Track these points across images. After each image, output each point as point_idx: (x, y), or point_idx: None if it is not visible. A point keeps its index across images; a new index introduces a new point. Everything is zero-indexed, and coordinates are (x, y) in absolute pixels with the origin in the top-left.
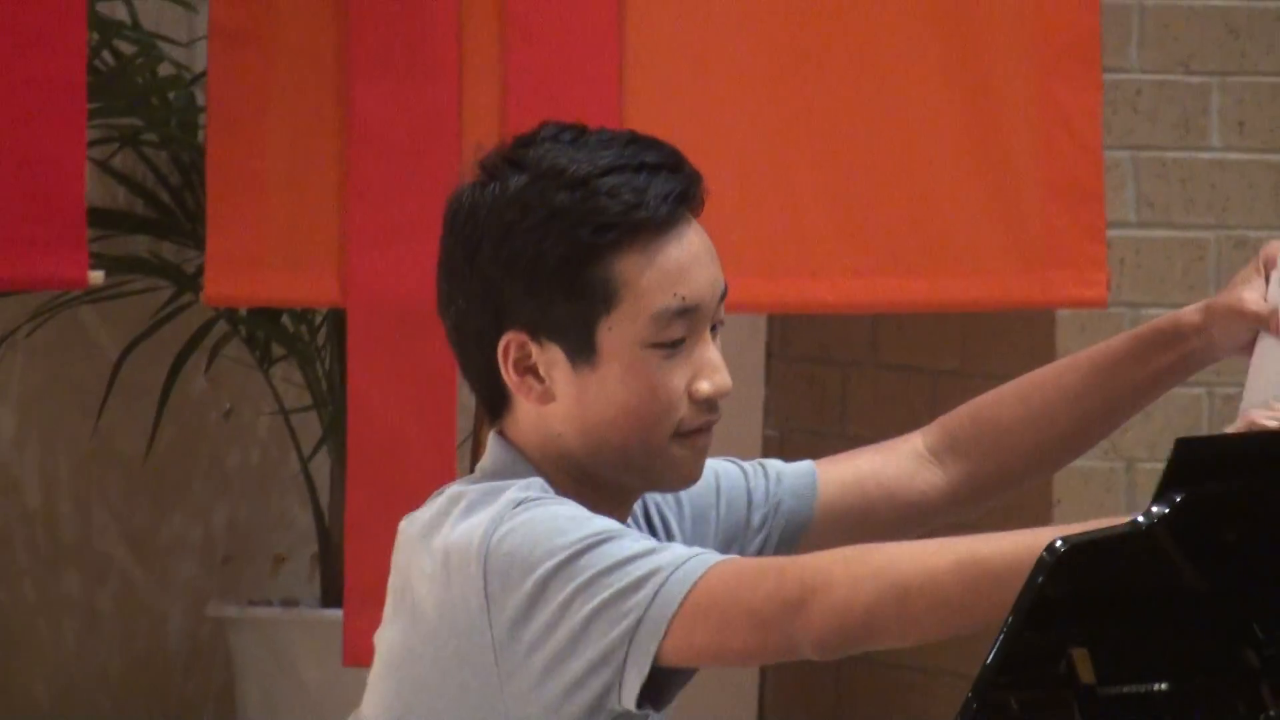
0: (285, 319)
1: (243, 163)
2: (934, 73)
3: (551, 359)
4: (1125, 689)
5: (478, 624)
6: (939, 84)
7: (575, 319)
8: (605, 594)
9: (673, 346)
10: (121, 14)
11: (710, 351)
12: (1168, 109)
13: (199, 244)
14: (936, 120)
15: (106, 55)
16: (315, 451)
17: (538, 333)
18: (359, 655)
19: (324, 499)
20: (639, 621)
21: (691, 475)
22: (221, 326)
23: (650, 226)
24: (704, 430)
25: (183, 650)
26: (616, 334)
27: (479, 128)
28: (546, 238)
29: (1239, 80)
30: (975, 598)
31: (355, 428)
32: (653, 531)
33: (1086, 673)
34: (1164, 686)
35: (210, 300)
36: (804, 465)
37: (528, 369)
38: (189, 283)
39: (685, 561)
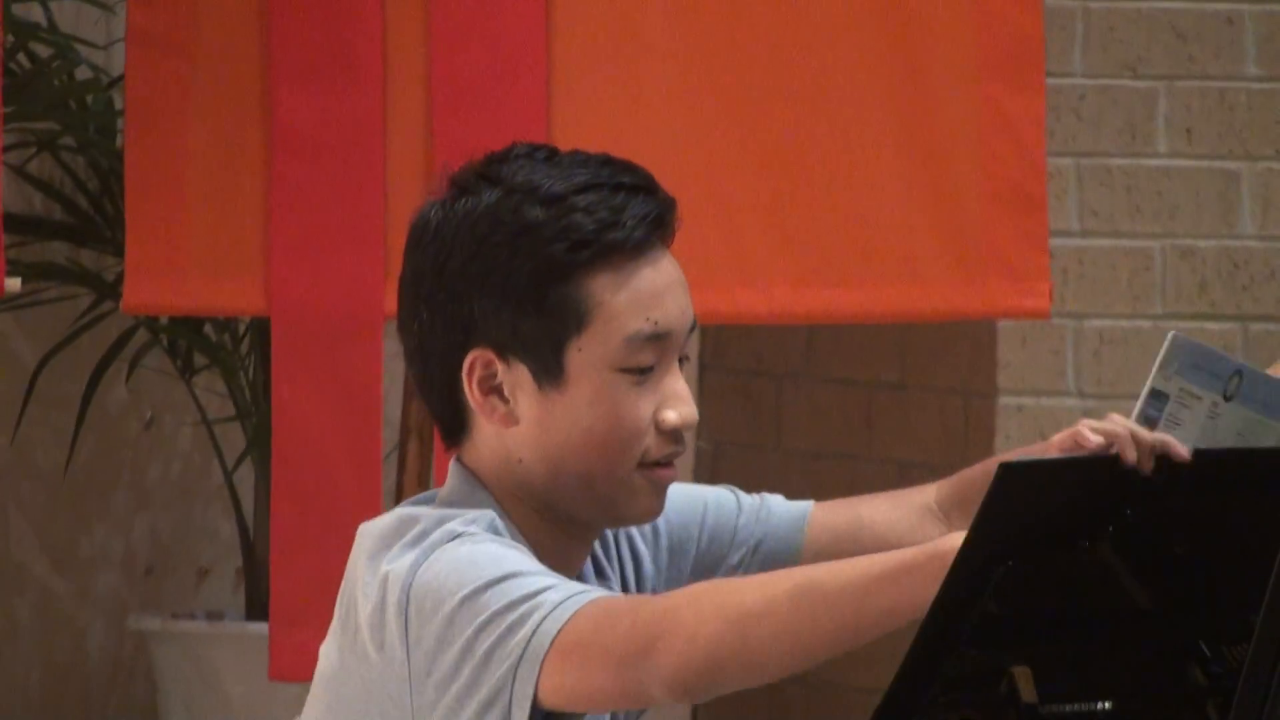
0: (208, 328)
1: (163, 168)
2: (872, 77)
3: (518, 380)
4: (1068, 708)
5: (398, 654)
6: (877, 88)
7: (545, 338)
8: (498, 631)
9: (642, 374)
10: (38, 16)
11: (679, 382)
12: (1113, 114)
13: (118, 251)
14: (874, 125)
15: (22, 58)
16: (239, 463)
17: (505, 351)
18: (284, 670)
19: (248, 511)
20: (519, 661)
21: (652, 509)
22: (142, 335)
23: (625, 248)
24: (667, 464)
25: (105, 664)
26: (586, 356)
27: (404, 134)
28: (519, 253)
29: (1186, 85)
30: (812, 624)
31: (280, 439)
32: (621, 565)
33: (1029, 692)
34: (1108, 705)
35: (130, 308)
36: (799, 507)
37: (492, 389)
38: (108, 290)
39: (565, 600)
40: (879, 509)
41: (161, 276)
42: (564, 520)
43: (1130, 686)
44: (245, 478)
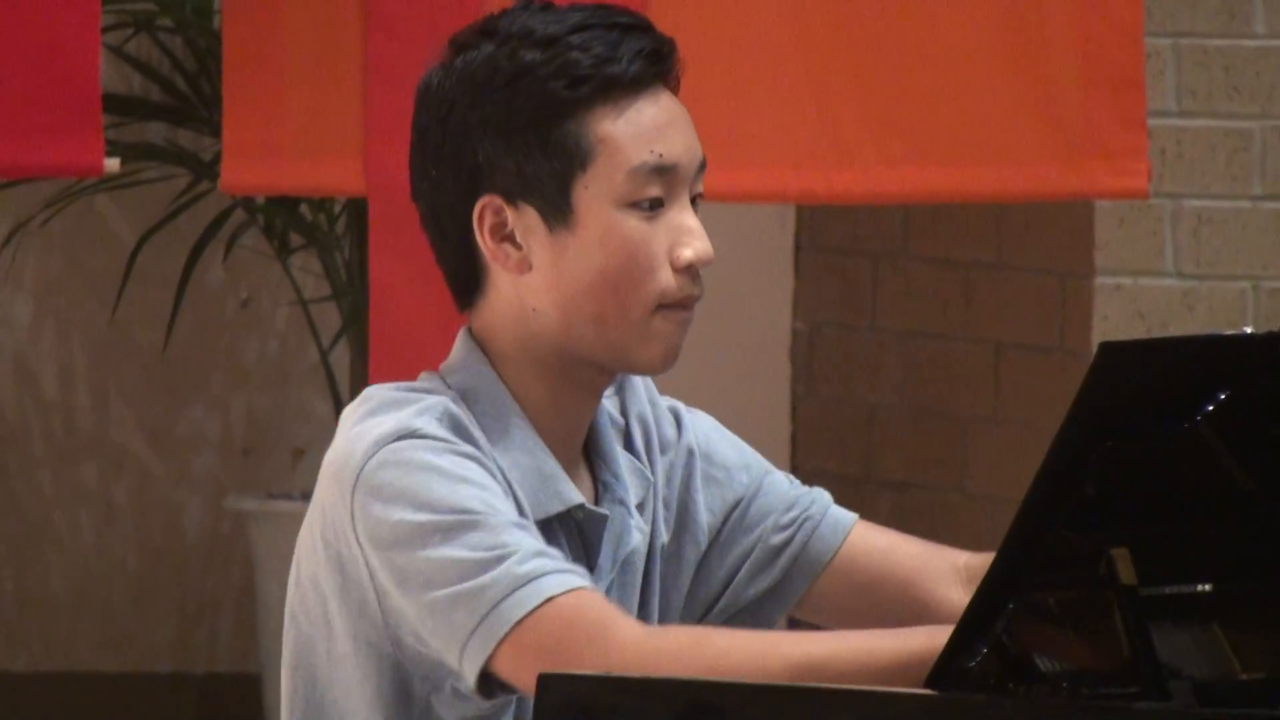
0: (304, 208)
1: (260, 49)
2: None
3: (528, 224)
4: (1167, 590)
5: (347, 535)
6: None
7: (551, 177)
8: (453, 589)
9: (651, 209)
10: None
11: (690, 218)
12: None
13: (215, 132)
14: (970, 6)
15: None
16: (335, 342)
17: (513, 195)
18: None
19: (344, 390)
20: (469, 635)
21: (669, 354)
22: (239, 215)
23: (624, 82)
24: (686, 305)
25: (201, 544)
26: (593, 193)
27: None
28: (518, 94)
29: None
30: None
31: (376, 318)
32: (629, 440)
33: (1128, 574)
34: (1207, 587)
35: (227, 188)
36: (846, 515)
37: (504, 236)
38: (206, 171)
39: (532, 575)
40: (911, 549)
41: (258, 156)
42: (572, 373)
43: (1230, 568)
44: (341, 357)
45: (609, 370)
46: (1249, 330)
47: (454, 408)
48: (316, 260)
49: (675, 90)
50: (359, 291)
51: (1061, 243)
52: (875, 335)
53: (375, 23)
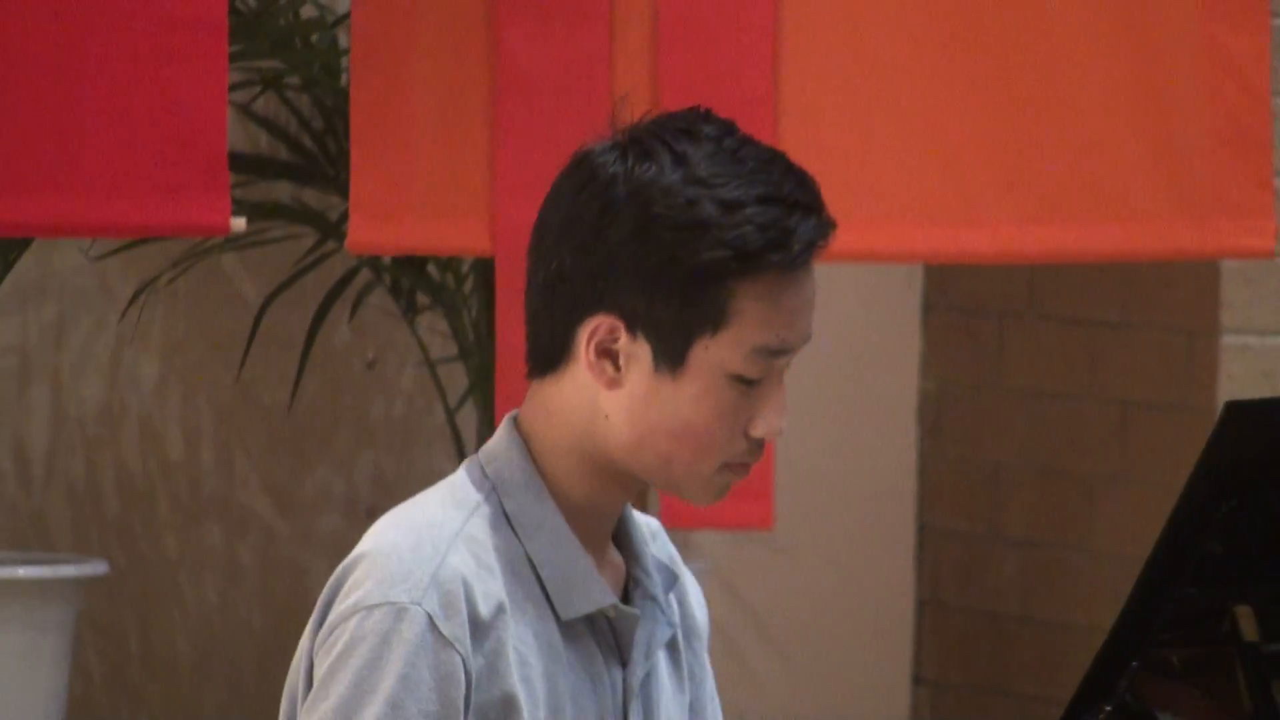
0: (431, 267)
1: (387, 107)
2: (1096, 18)
3: (637, 353)
4: None
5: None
6: (1101, 29)
7: (678, 328)
8: None
9: (750, 384)
10: None
11: (781, 395)
12: None
13: (342, 190)
14: (1098, 66)
15: None
16: (461, 403)
17: (635, 325)
18: None
19: (470, 451)
20: None
21: (714, 500)
22: (365, 274)
23: (783, 267)
24: (746, 466)
25: None
26: (710, 356)
27: (630, 74)
28: (683, 246)
29: None
30: None
31: (503, 379)
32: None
33: (1251, 630)
34: None
35: (354, 248)
36: None
37: (608, 353)
38: (332, 230)
39: None
40: None
41: (385, 216)
42: (613, 474)
43: None
44: (468, 418)
45: (643, 485)
46: None
47: (464, 562)
48: (443, 320)
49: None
50: (486, 352)
51: (1188, 301)
52: (1002, 394)
53: (504, 82)
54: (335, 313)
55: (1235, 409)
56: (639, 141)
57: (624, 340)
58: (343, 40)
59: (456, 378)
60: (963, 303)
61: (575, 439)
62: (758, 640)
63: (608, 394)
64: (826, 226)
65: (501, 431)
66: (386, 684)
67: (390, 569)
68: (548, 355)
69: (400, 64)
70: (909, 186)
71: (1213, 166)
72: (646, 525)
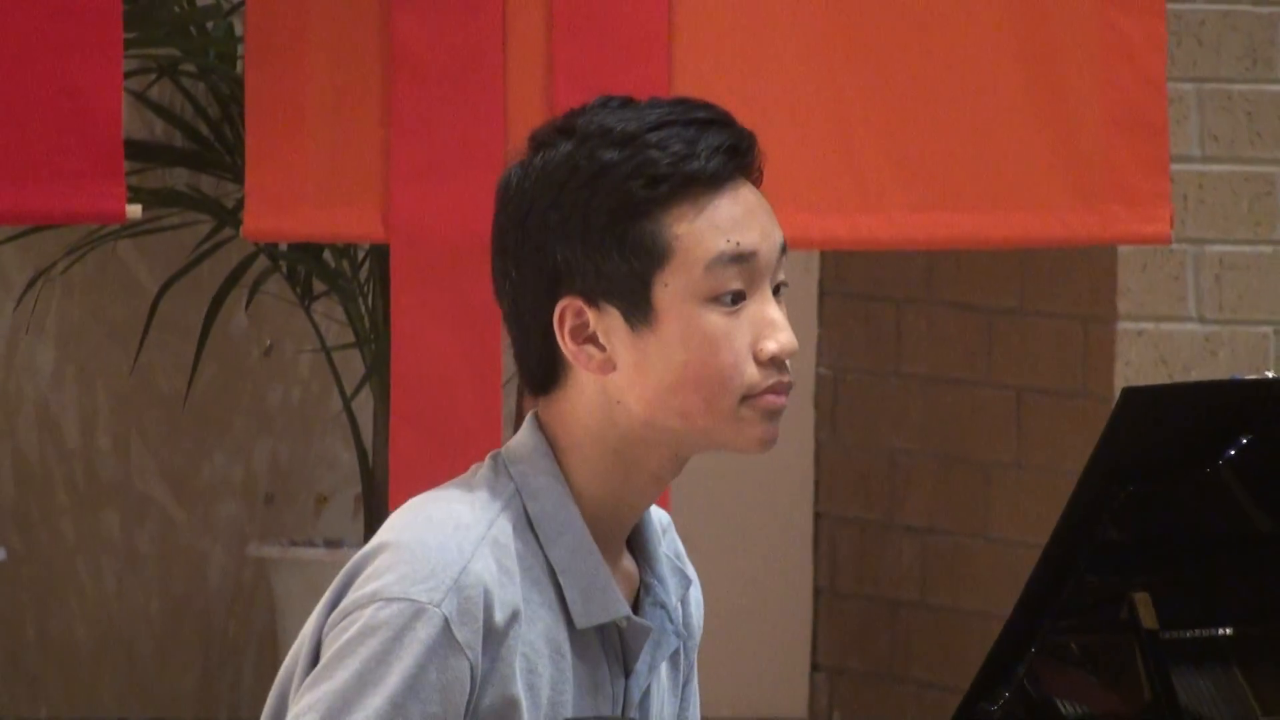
0: (327, 254)
1: (282, 94)
2: (992, 4)
3: (610, 324)
4: (1189, 634)
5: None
6: (997, 15)
7: (630, 277)
8: None
9: (732, 303)
10: None
11: (772, 309)
12: (1233, 39)
13: (238, 177)
14: (994, 52)
15: None
16: (358, 390)
17: (594, 296)
18: None
19: (367, 438)
20: None
21: (763, 438)
22: (262, 262)
23: (702, 179)
24: (775, 391)
25: (224, 591)
26: (673, 290)
27: (524, 59)
28: (596, 194)
29: None
30: None
31: (399, 365)
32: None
33: (1149, 617)
34: (1229, 631)
35: (250, 235)
36: None
37: (586, 338)
38: (229, 217)
39: None
40: None
41: (281, 203)
42: (649, 460)
43: (1251, 612)
44: (364, 405)
45: (695, 453)
46: (1271, 375)
47: (488, 568)
48: (340, 307)
49: (758, 182)
50: (382, 339)
51: (1084, 288)
52: (899, 381)
53: (397, 69)
54: (232, 300)
55: (1132, 395)
56: (533, 140)
57: (592, 317)
58: (238, 27)
59: (353, 364)
60: (860, 289)
61: (598, 437)
62: None
63: (609, 380)
64: (737, 133)
65: (525, 433)
66: (392, 680)
67: (414, 565)
68: (543, 374)
69: (295, 51)
70: (805, 173)
71: (1109, 153)
72: (659, 519)
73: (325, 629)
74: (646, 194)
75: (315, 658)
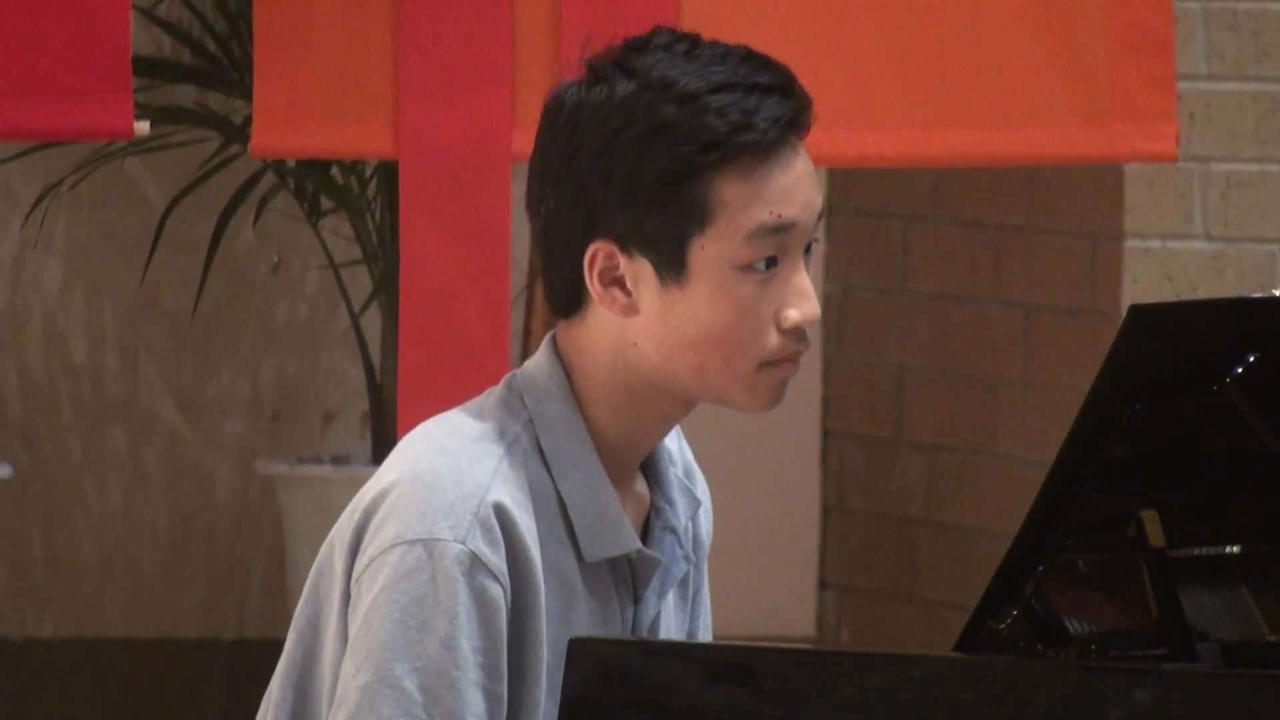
0: (335, 170)
1: (291, 11)
2: None
3: (639, 273)
4: (1196, 551)
5: (337, 597)
6: None
7: (668, 235)
8: None
9: (765, 270)
10: None
11: (802, 278)
12: None
13: (246, 94)
14: None
15: None
16: (366, 306)
17: (628, 245)
18: None
19: (375, 354)
20: None
21: (768, 403)
22: (269, 178)
23: (755, 150)
24: (792, 359)
25: (231, 508)
26: (709, 254)
27: None
28: (648, 150)
29: None
30: None
31: (407, 282)
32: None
33: (1156, 535)
34: (1235, 549)
35: (258, 151)
36: None
37: (614, 280)
38: (236, 133)
39: None
40: None
41: (289, 119)
42: (659, 401)
43: (1258, 530)
44: (372, 321)
45: (698, 403)
46: (1277, 293)
47: (505, 494)
48: (347, 224)
49: (804, 138)
50: (390, 255)
51: (1091, 206)
52: (906, 298)
53: None
54: (239, 217)
55: (1139, 312)
56: (593, 69)
57: (623, 263)
58: None
59: (361, 281)
60: (867, 206)
61: (611, 372)
62: None
63: (629, 322)
64: (797, 103)
65: (542, 358)
66: (440, 622)
67: (433, 501)
68: (565, 299)
69: None
70: (812, 91)
71: (1115, 70)
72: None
73: (354, 577)
74: (698, 159)
75: (346, 599)
